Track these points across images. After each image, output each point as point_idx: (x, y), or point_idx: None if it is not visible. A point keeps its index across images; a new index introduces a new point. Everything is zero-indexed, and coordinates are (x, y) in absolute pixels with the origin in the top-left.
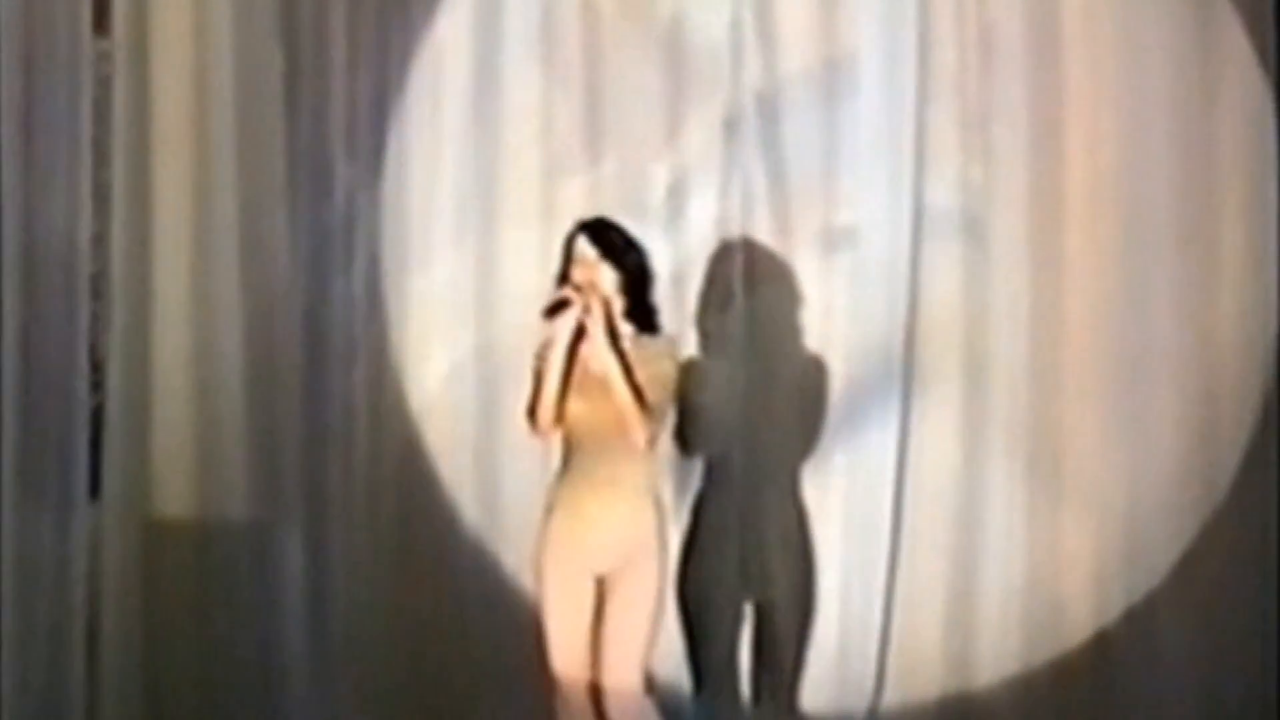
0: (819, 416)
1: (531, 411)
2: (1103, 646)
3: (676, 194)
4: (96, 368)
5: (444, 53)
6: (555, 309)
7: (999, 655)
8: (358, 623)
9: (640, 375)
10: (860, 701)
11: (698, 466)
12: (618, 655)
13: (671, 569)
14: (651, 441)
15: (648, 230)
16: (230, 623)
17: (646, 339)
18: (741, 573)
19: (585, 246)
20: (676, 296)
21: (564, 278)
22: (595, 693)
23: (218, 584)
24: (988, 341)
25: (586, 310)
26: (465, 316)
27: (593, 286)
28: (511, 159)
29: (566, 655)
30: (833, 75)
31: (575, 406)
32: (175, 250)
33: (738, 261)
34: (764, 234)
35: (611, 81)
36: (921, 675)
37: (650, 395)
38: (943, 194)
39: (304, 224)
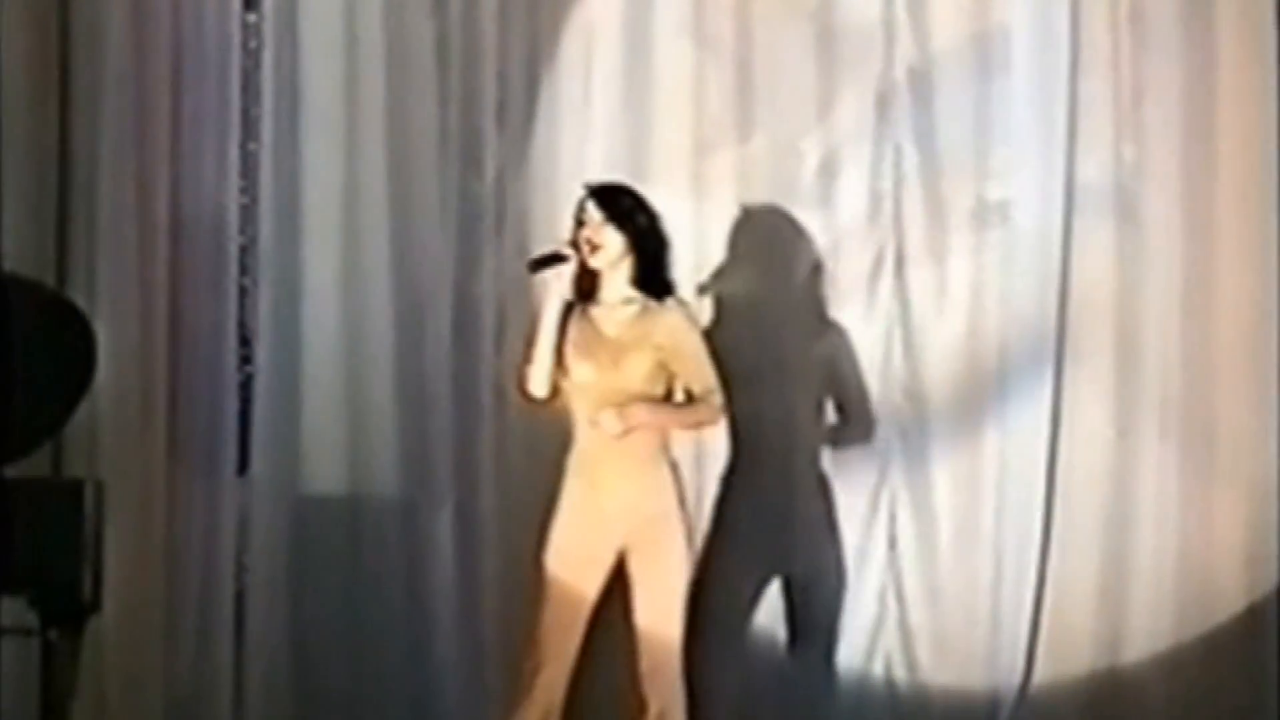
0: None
1: (519, 376)
2: (1254, 623)
3: (827, 170)
4: (245, 343)
5: (595, 26)
6: (541, 263)
7: (1150, 633)
8: (508, 601)
9: (672, 356)
10: (1011, 679)
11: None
12: (653, 627)
13: (697, 538)
14: (722, 413)
15: (798, 206)
16: (379, 600)
17: (658, 306)
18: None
19: (591, 208)
20: (828, 271)
21: (573, 243)
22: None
23: (367, 561)
24: (1140, 319)
25: (585, 273)
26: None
27: (593, 247)
28: (661, 134)
29: (559, 637)
30: (985, 51)
31: (583, 372)
32: (324, 224)
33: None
34: (915, 210)
35: (763, 56)
36: (1072, 653)
37: (698, 384)
38: (1095, 171)
39: (454, 198)
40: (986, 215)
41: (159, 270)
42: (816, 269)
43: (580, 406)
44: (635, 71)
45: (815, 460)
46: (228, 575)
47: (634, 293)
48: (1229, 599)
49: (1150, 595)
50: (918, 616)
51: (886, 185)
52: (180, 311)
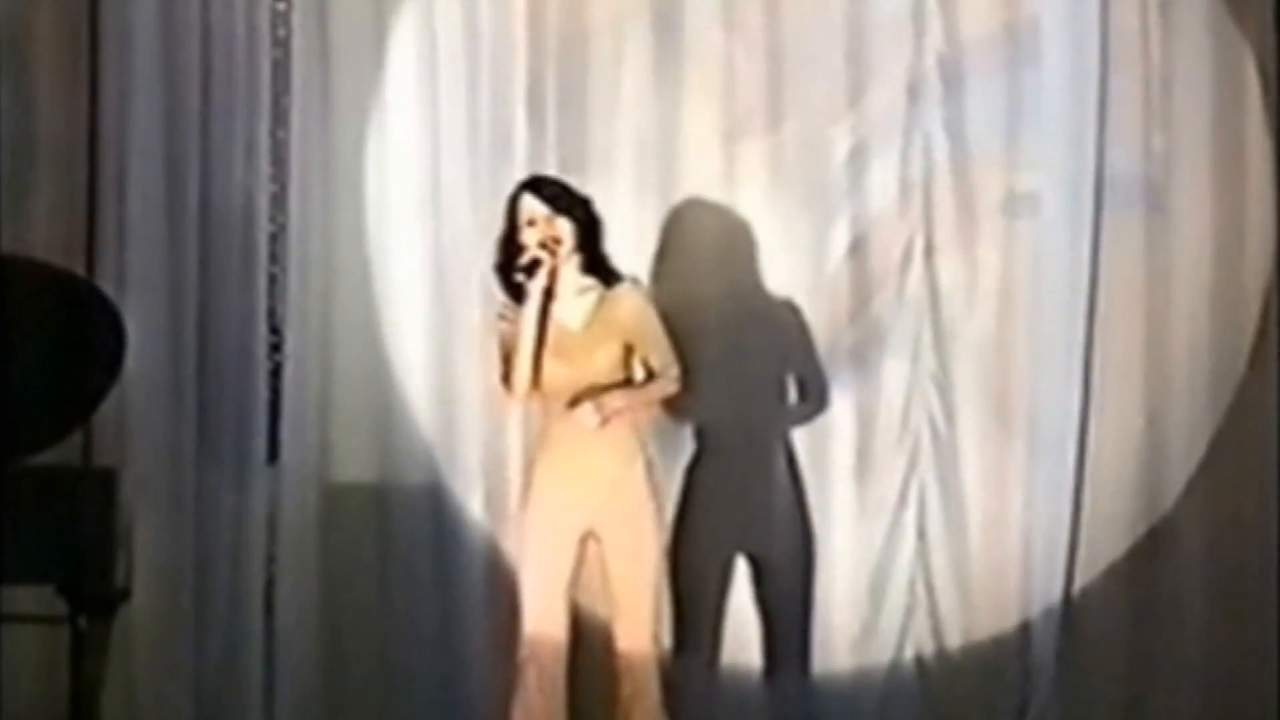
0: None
1: (506, 377)
2: None
3: (857, 158)
4: (275, 331)
5: (624, 13)
6: (531, 268)
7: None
8: None
9: (636, 338)
10: (1042, 668)
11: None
12: (627, 614)
13: (667, 525)
14: (681, 380)
15: (828, 194)
16: (409, 587)
17: (615, 291)
18: (732, 529)
19: (534, 204)
20: (857, 261)
21: (510, 239)
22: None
23: (396, 549)
24: (1169, 309)
25: (553, 272)
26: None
27: (556, 242)
28: (692, 121)
29: (542, 615)
30: (1015, 41)
31: (552, 367)
32: (353, 212)
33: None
34: (945, 200)
35: (793, 45)
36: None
37: (658, 358)
38: (1125, 161)
39: (484, 186)
40: (1016, 205)
41: (188, 259)
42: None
43: (550, 397)
44: (666, 59)
45: (785, 442)
46: (257, 563)
47: (588, 280)
48: (1262, 586)
49: (1181, 583)
50: (947, 606)
51: (916, 175)
52: (209, 300)
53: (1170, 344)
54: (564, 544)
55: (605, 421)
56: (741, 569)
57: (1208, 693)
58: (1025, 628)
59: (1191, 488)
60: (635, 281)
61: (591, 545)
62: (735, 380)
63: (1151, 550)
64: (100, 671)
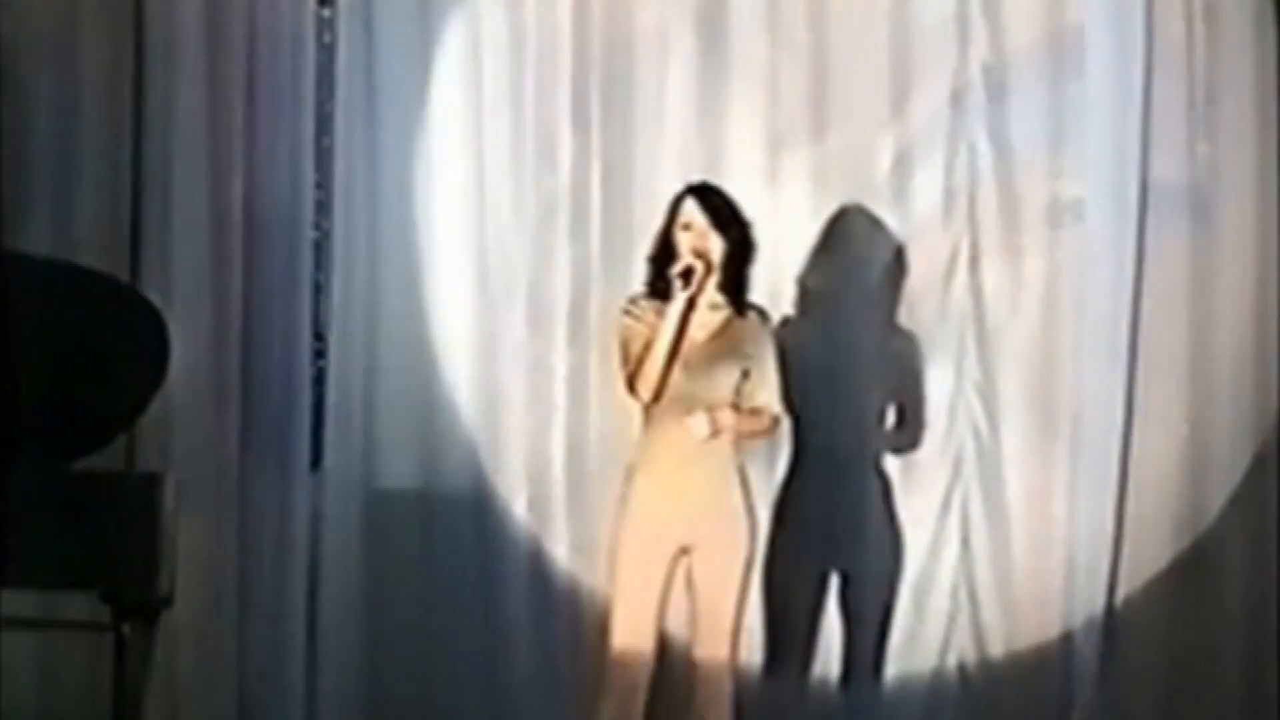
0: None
1: (632, 379)
2: None
3: (901, 167)
4: (319, 337)
5: (669, 21)
6: (687, 275)
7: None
8: (579, 595)
9: (755, 368)
10: (1085, 678)
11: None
12: (708, 629)
13: (761, 544)
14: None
15: (873, 202)
16: (452, 592)
17: (743, 316)
18: (826, 546)
19: (695, 211)
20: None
21: (665, 237)
22: (661, 671)
23: (439, 555)
24: (1213, 317)
25: (700, 284)
26: None
27: (702, 256)
28: (736, 131)
29: (632, 629)
30: (1059, 49)
31: (675, 377)
32: (398, 218)
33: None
34: (989, 208)
35: (838, 53)
36: (1146, 653)
37: (767, 395)
38: (1169, 169)
39: (529, 193)
40: (1060, 213)
41: (233, 265)
42: (895, 271)
43: (661, 407)
44: (710, 68)
45: (878, 463)
46: (301, 570)
47: (720, 298)
48: None
49: (1224, 593)
50: (990, 614)
51: (961, 183)
52: (254, 306)
53: (1214, 353)
54: (660, 558)
55: (715, 435)
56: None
57: (1250, 704)
58: (1068, 637)
59: (1236, 498)
60: (765, 315)
61: (683, 560)
62: (841, 394)
63: (1195, 561)
64: (144, 678)
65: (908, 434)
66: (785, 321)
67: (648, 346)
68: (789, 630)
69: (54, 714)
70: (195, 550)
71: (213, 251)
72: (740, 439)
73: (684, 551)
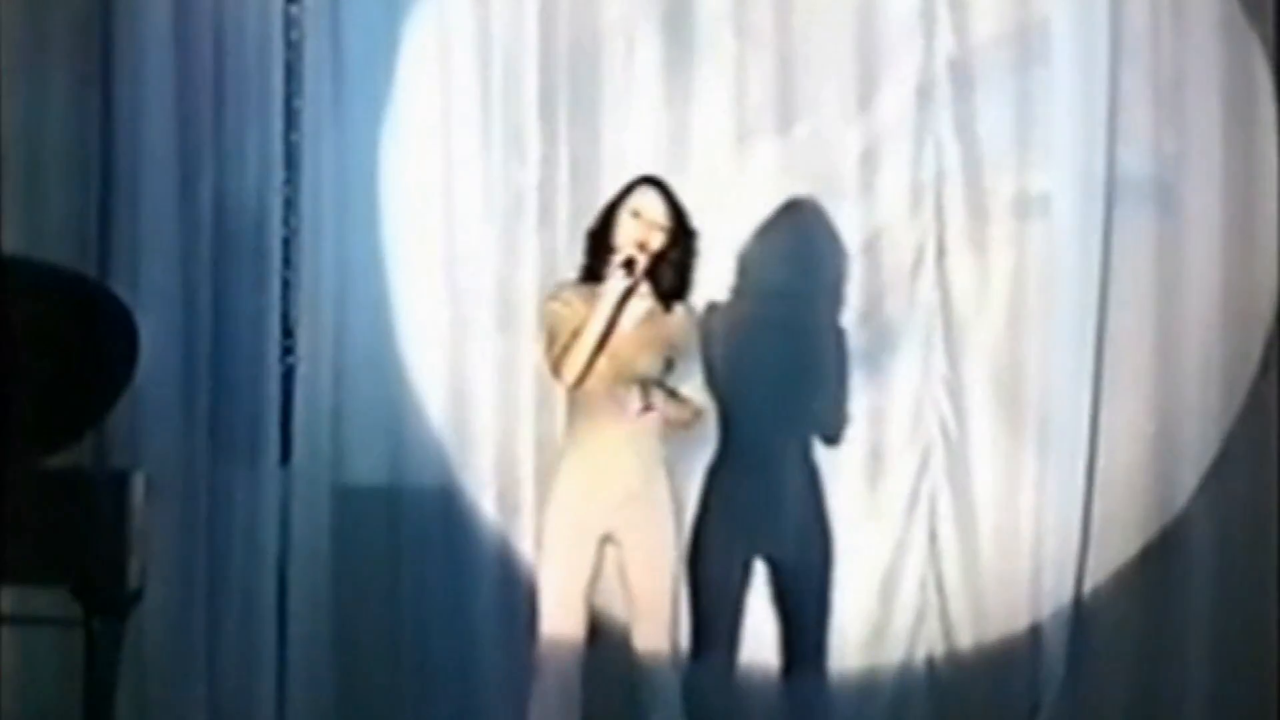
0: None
1: (558, 363)
2: None
3: (868, 162)
4: (287, 334)
5: (635, 15)
6: (630, 265)
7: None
8: None
9: (680, 357)
10: (1053, 671)
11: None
12: (646, 616)
13: (686, 531)
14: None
15: (839, 196)
16: (420, 589)
17: (668, 310)
18: (752, 533)
19: (652, 201)
20: (869, 263)
21: (609, 216)
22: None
23: (408, 550)
24: (1180, 310)
25: (640, 275)
26: None
27: (644, 247)
28: (702, 124)
29: (560, 616)
30: (1025, 42)
31: (600, 363)
32: (367, 215)
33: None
34: (956, 201)
35: (803, 47)
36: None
37: (690, 385)
38: (1135, 162)
39: (496, 188)
40: (1027, 206)
41: (201, 262)
42: (833, 263)
43: (586, 392)
44: (677, 62)
45: (807, 452)
46: (270, 565)
47: (646, 287)
48: (1272, 588)
49: (1192, 585)
50: (958, 607)
51: (927, 177)
52: (222, 303)
53: (1181, 345)
54: (583, 544)
55: (646, 410)
56: (760, 572)
57: (1218, 695)
58: (1036, 629)
59: (1202, 490)
60: (691, 309)
61: (610, 548)
62: (758, 385)
63: (1162, 552)
64: (114, 673)
65: (832, 424)
66: (712, 307)
67: (575, 333)
68: (716, 616)
69: (24, 709)
70: (165, 546)
71: (181, 249)
72: (666, 425)
73: (611, 542)
